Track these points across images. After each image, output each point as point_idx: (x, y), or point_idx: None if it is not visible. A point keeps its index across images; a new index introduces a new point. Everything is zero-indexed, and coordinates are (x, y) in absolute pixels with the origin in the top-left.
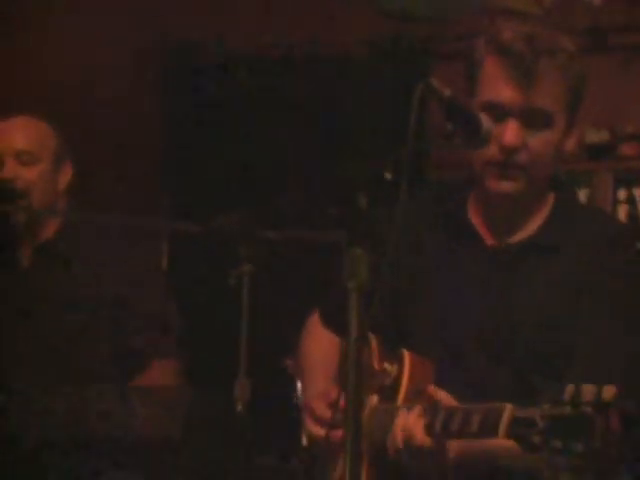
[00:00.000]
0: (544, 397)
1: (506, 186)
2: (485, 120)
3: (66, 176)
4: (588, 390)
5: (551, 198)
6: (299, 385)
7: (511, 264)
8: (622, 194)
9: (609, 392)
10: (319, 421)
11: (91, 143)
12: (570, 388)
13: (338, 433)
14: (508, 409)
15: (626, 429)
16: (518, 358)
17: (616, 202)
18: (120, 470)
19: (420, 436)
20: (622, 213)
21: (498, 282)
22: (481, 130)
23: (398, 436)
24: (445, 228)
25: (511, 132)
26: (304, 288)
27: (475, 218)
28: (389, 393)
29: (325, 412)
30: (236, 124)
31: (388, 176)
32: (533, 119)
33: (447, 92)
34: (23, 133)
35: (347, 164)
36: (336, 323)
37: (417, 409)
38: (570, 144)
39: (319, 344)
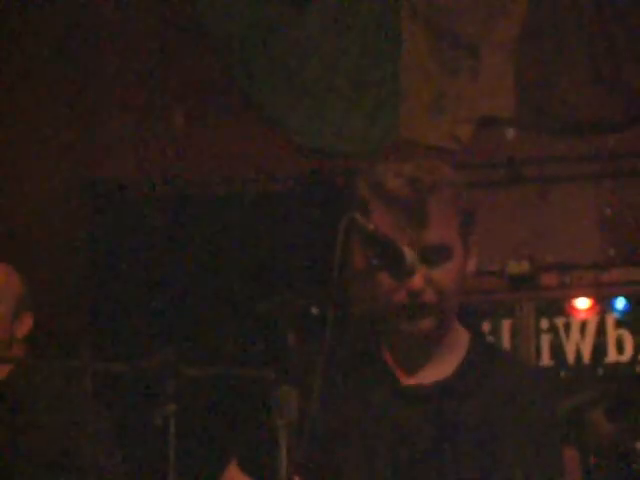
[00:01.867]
0: None
1: (419, 326)
2: (408, 252)
3: (25, 326)
4: None
5: (465, 337)
6: None
7: (427, 405)
8: (544, 324)
9: None
10: None
11: None
12: None
13: None
14: None
15: None
16: None
17: (539, 332)
18: None
19: None
20: (545, 343)
21: (416, 423)
22: (405, 262)
23: None
24: (361, 367)
25: (416, 275)
26: (229, 428)
27: (389, 357)
28: None
29: None
30: (160, 262)
31: (315, 311)
32: (434, 257)
33: (370, 226)
34: None
35: (272, 300)
36: (256, 470)
37: None
38: (471, 265)
39: None
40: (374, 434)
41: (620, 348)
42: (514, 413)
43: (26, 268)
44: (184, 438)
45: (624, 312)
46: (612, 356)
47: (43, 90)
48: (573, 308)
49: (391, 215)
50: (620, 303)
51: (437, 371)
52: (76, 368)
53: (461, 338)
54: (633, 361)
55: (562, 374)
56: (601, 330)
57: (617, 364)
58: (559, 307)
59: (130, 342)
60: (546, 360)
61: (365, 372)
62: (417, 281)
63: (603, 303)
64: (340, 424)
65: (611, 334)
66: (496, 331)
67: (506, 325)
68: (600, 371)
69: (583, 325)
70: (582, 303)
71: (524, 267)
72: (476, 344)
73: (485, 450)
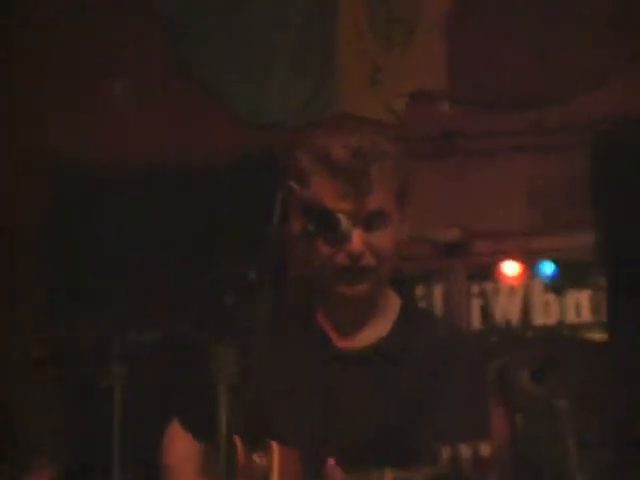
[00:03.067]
0: (423, 458)
1: (356, 289)
2: (343, 219)
3: None
4: (465, 449)
5: (396, 302)
6: None
7: (359, 366)
8: (475, 288)
9: (486, 449)
10: None
11: None
12: (447, 449)
13: None
14: (388, 474)
15: None
16: (365, 454)
17: (469, 296)
18: None
19: None
20: (475, 306)
21: (347, 383)
22: (340, 228)
23: None
24: (297, 329)
25: (356, 239)
26: (171, 388)
27: (324, 320)
28: None
29: None
30: (109, 230)
31: (252, 275)
32: (373, 222)
33: (306, 193)
34: None
35: (214, 265)
36: (197, 428)
37: None
38: (404, 232)
39: (181, 446)
40: (310, 395)
41: (547, 312)
42: (444, 373)
43: None
44: (129, 399)
45: (551, 277)
46: (539, 319)
47: None
48: (502, 274)
49: (334, 183)
50: (548, 268)
51: (370, 334)
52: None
53: (393, 303)
54: (559, 324)
55: (492, 335)
56: (529, 294)
57: (544, 327)
58: (489, 273)
59: (81, 308)
60: (476, 323)
61: (301, 335)
62: (357, 245)
63: (531, 269)
64: (278, 385)
65: (538, 298)
66: (429, 296)
67: (438, 290)
68: (528, 333)
69: (512, 290)
70: (511, 269)
71: (456, 234)
72: (407, 309)
73: (415, 409)
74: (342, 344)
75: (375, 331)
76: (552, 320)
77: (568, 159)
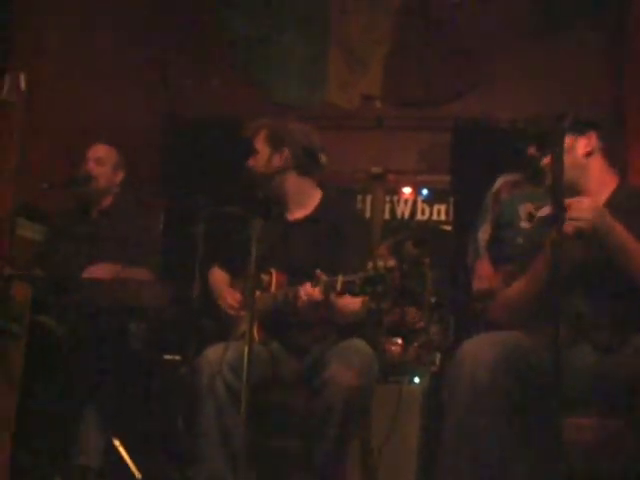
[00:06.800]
0: (358, 269)
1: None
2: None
3: (120, 176)
4: (382, 262)
5: (319, 193)
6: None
7: (298, 229)
8: (388, 199)
9: (390, 262)
10: (230, 305)
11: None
12: (370, 263)
13: (241, 312)
14: (340, 278)
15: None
16: (303, 270)
17: (384, 203)
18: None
19: (318, 295)
20: (387, 208)
21: (292, 237)
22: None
23: (303, 296)
24: (274, 217)
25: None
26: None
27: (284, 210)
28: (266, 289)
29: (233, 300)
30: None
31: (260, 194)
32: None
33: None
34: (100, 150)
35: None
36: (228, 267)
37: (318, 286)
38: (276, 161)
39: (219, 276)
40: (279, 243)
41: (423, 214)
42: (349, 229)
43: (125, 151)
44: (206, 242)
45: (426, 196)
46: (419, 217)
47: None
48: (402, 192)
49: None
50: (425, 191)
51: (304, 211)
52: (152, 203)
53: (316, 194)
54: (429, 220)
55: (394, 224)
56: (415, 204)
57: (421, 221)
58: (395, 191)
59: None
60: (387, 216)
61: (275, 219)
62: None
63: (417, 191)
64: (268, 240)
65: (419, 206)
66: (364, 202)
67: (368, 199)
68: (413, 224)
69: (407, 201)
70: (406, 190)
71: (379, 170)
72: (324, 197)
73: (332, 248)
74: (290, 217)
75: (306, 210)
76: (425, 218)
77: (439, 137)
